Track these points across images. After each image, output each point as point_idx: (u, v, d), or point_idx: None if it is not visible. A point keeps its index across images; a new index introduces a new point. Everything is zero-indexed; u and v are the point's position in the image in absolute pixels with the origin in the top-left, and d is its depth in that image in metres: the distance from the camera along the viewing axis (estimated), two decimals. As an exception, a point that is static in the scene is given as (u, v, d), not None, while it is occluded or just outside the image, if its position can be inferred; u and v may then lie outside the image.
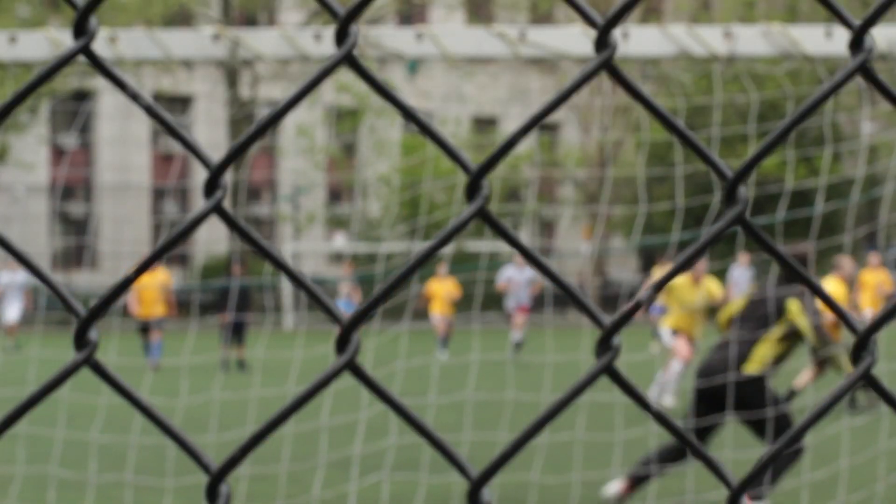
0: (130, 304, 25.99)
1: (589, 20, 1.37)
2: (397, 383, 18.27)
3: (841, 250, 16.00)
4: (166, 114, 1.36)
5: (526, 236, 52.93)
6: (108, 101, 55.99)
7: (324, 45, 8.78)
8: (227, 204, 1.32)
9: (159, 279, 26.48)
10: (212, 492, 1.34)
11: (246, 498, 10.85)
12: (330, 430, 13.86)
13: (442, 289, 30.99)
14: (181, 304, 33.21)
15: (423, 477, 11.51)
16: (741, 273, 29.77)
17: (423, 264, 1.35)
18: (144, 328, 26.25)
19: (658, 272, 31.21)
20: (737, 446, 12.94)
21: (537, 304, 32.27)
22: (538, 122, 1.36)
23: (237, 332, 26.78)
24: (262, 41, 8.99)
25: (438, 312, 30.81)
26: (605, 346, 1.37)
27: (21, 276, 31.60)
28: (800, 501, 10.77)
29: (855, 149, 36.14)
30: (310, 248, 55.15)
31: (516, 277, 30.11)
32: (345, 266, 35.77)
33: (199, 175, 54.77)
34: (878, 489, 11.20)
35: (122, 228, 55.44)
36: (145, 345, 26.29)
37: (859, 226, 42.09)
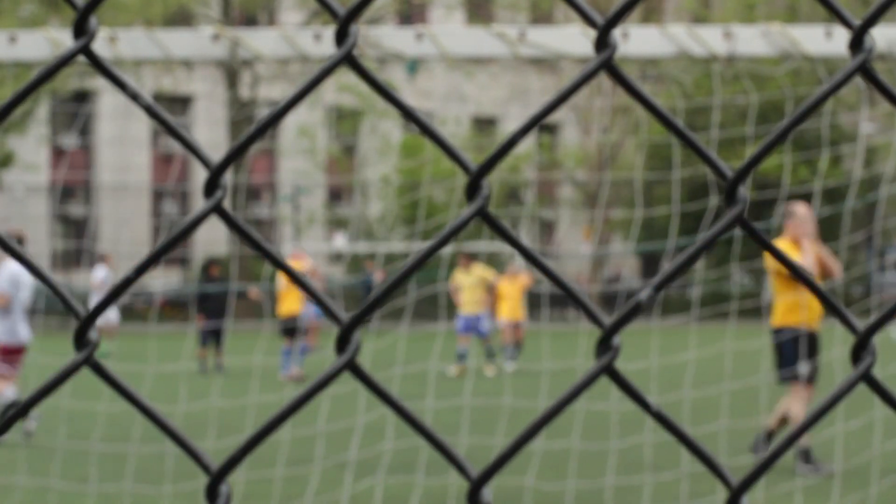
0: (281, 301, 23.55)
1: (589, 20, 1.37)
2: (395, 386, 18.24)
3: (838, 253, 15.99)
4: (166, 114, 1.36)
5: (525, 237, 52.93)
6: (108, 101, 56.01)
7: (323, 45, 8.77)
8: (227, 205, 1.32)
9: (303, 269, 23.69)
10: (212, 492, 1.34)
11: (241, 500, 10.84)
12: (327, 434, 13.86)
13: (513, 289, 26.49)
14: (180, 306, 32.71)
15: (419, 479, 11.51)
16: None
17: (423, 265, 1.35)
18: (289, 330, 23.48)
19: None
20: (732, 453, 12.95)
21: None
22: (538, 122, 1.37)
23: (215, 336, 25.75)
24: (261, 41, 8.99)
25: (507, 317, 26.28)
26: (605, 346, 1.37)
27: None
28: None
29: (855, 151, 36.11)
30: (310, 248, 55.14)
31: None
32: (312, 271, 34.28)
33: (200, 175, 54.80)
34: (872, 491, 11.20)
35: (122, 229, 55.45)
36: (287, 350, 23.45)
37: (859, 228, 42.04)
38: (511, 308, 26.30)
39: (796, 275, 1.44)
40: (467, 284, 24.61)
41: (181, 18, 45.94)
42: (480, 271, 24.82)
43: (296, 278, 1.37)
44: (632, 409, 14.04)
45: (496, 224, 1.37)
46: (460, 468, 1.37)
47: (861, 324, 1.43)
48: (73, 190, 57.64)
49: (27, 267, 1.36)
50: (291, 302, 23.77)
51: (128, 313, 40.20)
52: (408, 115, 1.39)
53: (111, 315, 30.54)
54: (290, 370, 23.24)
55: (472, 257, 25.76)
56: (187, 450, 1.37)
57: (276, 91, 50.10)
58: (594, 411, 14.21)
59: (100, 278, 30.31)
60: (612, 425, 13.79)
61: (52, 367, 16.73)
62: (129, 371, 22.47)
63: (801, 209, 12.33)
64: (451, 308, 30.00)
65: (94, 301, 30.57)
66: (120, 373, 1.37)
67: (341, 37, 1.34)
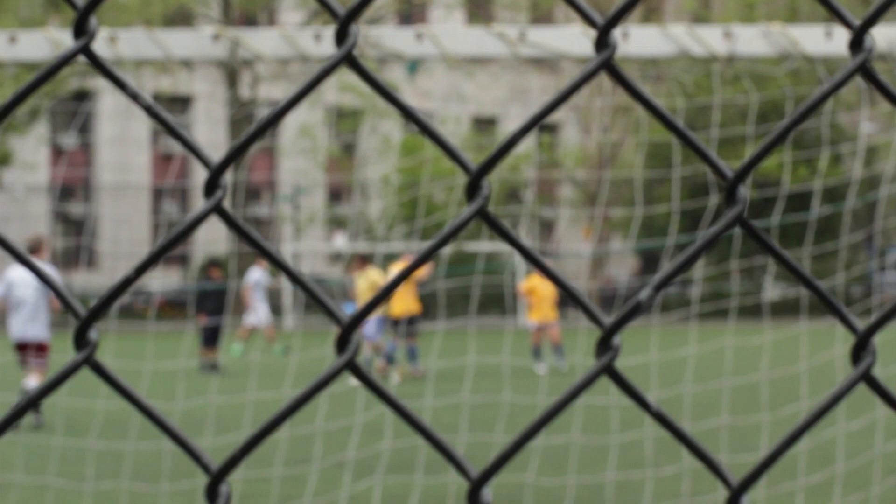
0: (395, 300, 23.29)
1: (589, 20, 1.37)
2: (391, 385, 18.24)
3: (838, 252, 15.94)
4: (166, 114, 1.36)
5: (525, 236, 52.91)
6: (108, 101, 56.02)
7: (324, 45, 8.77)
8: (226, 204, 1.32)
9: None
10: (212, 492, 1.34)
11: (240, 499, 10.84)
12: (325, 433, 13.86)
13: (546, 289, 25.50)
14: (179, 305, 32.48)
15: (417, 478, 11.50)
16: None
17: (422, 265, 1.35)
18: (409, 329, 23.75)
19: None
20: (732, 450, 12.94)
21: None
22: (538, 122, 1.37)
23: (211, 335, 25.88)
24: (261, 41, 8.99)
25: (539, 319, 25.44)
26: (605, 346, 1.37)
27: None
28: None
29: (856, 150, 36.10)
30: (310, 248, 55.15)
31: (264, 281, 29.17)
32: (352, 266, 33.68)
33: (199, 175, 54.81)
34: (874, 492, 11.19)
35: (122, 229, 55.47)
36: (410, 349, 23.66)
37: (859, 227, 42.01)
38: (543, 310, 25.35)
39: (793, 271, 1.44)
40: (363, 288, 23.48)
41: (181, 18, 45.94)
42: (374, 275, 23.69)
43: (295, 278, 1.37)
44: (632, 404, 13.98)
45: (496, 224, 1.37)
46: (460, 468, 1.37)
47: (861, 324, 1.43)
48: (72, 189, 57.64)
49: (27, 266, 1.36)
50: (408, 302, 23.59)
51: (127, 312, 40.18)
52: (408, 115, 1.39)
53: (262, 316, 29.52)
54: (418, 367, 23.55)
55: (367, 260, 24.67)
56: (187, 449, 1.37)
57: (276, 91, 50.10)
58: (594, 406, 14.21)
59: (254, 279, 29.27)
60: (613, 420, 13.80)
61: (51, 367, 16.75)
62: (127, 369, 22.49)
63: None
64: (450, 307, 29.86)
65: (256, 303, 29.63)
66: (117, 371, 1.37)
67: (341, 37, 1.34)
